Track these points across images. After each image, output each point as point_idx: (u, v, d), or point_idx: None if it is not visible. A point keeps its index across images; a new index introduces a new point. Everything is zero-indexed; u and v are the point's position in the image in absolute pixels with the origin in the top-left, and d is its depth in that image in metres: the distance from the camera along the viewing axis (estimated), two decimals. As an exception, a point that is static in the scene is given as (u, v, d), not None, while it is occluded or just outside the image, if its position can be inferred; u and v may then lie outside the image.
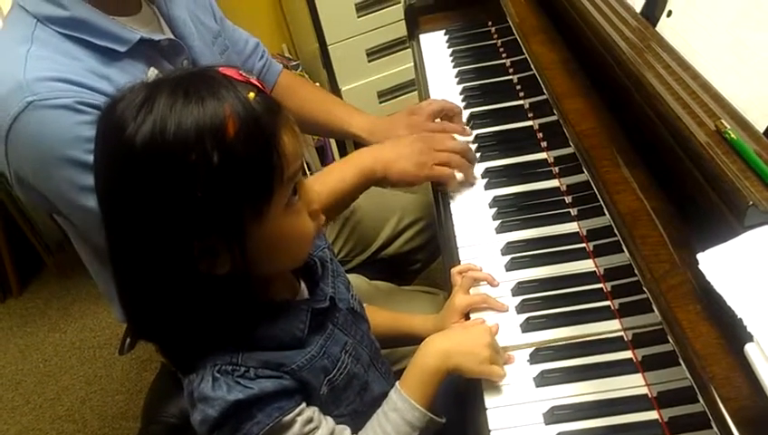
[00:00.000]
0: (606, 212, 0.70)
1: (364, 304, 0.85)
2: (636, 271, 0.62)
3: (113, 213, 0.61)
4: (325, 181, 0.96)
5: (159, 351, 1.13)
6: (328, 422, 0.70)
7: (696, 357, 0.50)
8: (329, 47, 2.01)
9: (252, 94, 0.59)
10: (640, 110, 0.69)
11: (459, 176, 1.01)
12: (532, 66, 0.96)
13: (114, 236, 0.62)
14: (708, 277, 0.49)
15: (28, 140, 0.82)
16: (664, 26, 0.75)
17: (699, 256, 0.51)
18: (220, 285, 0.61)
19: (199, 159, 0.55)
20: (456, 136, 1.09)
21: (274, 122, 0.59)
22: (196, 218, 0.57)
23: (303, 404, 0.68)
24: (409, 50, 1.45)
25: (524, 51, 0.99)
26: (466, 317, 0.85)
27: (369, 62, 2.08)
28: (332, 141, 2.21)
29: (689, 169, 0.59)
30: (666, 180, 0.67)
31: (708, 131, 0.58)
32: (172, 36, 0.98)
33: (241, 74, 0.61)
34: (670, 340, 0.55)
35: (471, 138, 1.12)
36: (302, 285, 0.75)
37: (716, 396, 0.48)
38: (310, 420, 0.68)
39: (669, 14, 0.75)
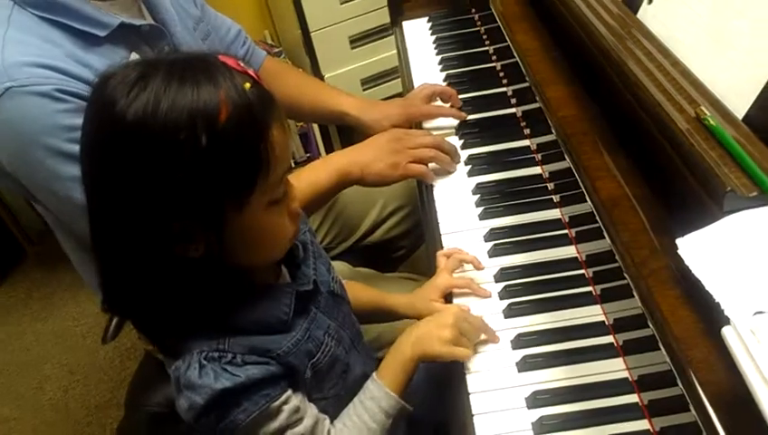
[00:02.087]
0: (587, 199, 0.71)
1: (344, 281, 0.86)
2: (617, 257, 0.63)
3: (95, 185, 0.61)
4: (300, 179, 0.96)
5: (141, 337, 1.13)
6: (312, 411, 0.71)
7: (674, 341, 0.51)
8: (311, 34, 2.00)
9: (248, 85, 0.59)
10: (621, 96, 0.69)
11: (436, 166, 1.02)
12: (514, 53, 0.96)
13: (95, 209, 0.62)
14: (687, 262, 0.50)
15: (6, 126, 0.80)
16: (645, 13, 0.76)
17: (678, 241, 0.52)
18: (194, 269, 0.61)
19: (187, 141, 0.55)
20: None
21: (267, 115, 0.60)
22: (177, 199, 0.57)
23: (290, 391, 0.68)
24: (393, 37, 1.44)
25: (507, 38, 0.99)
26: (447, 299, 0.86)
27: (353, 49, 2.07)
28: (316, 128, 2.20)
29: (669, 156, 0.60)
30: (646, 167, 0.68)
31: (688, 118, 0.59)
32: (153, 22, 0.97)
33: (239, 64, 0.61)
34: (650, 324, 0.56)
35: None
36: (284, 269, 0.75)
37: (695, 380, 0.49)
38: (296, 410, 0.68)
39: (650, 1, 0.75)
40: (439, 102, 1.16)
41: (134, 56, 0.92)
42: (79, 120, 0.79)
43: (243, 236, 0.61)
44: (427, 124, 1.15)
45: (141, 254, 0.60)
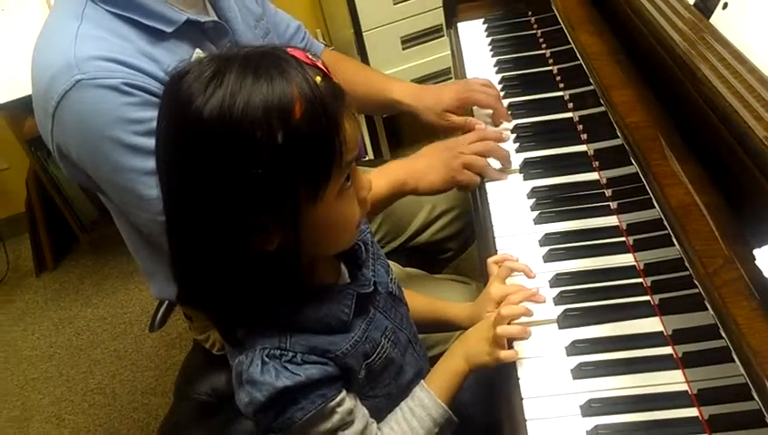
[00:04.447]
0: (656, 205, 0.69)
1: (403, 289, 0.86)
2: (687, 265, 0.61)
3: (172, 182, 0.62)
4: None
5: (191, 327, 1.16)
6: (362, 414, 0.72)
7: (752, 354, 0.50)
8: (363, 34, 2.00)
9: (318, 78, 0.59)
10: (694, 103, 0.68)
11: (496, 164, 1.02)
12: (578, 57, 0.94)
13: (172, 205, 0.63)
14: (766, 274, 0.48)
15: (74, 117, 0.83)
16: (718, 19, 0.74)
17: (756, 251, 0.50)
18: (269, 262, 0.62)
19: (264, 138, 0.56)
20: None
21: (338, 108, 0.60)
22: (254, 195, 0.58)
23: (344, 392, 0.69)
24: (444, 38, 1.43)
25: (571, 41, 0.98)
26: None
27: (404, 49, 2.07)
28: (363, 128, 2.21)
29: (746, 165, 0.58)
30: (718, 175, 0.66)
31: (766, 126, 0.57)
32: (217, 18, 0.99)
33: (308, 57, 0.61)
34: (723, 336, 0.55)
35: (511, 125, 1.12)
36: (343, 268, 0.76)
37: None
38: (350, 412, 0.69)
39: (725, 6, 0.73)
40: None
41: (198, 52, 0.94)
42: (145, 113, 0.83)
43: (316, 225, 0.62)
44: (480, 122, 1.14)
45: (217, 248, 0.61)
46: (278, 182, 0.57)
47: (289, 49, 0.61)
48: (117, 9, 0.86)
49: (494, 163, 1.03)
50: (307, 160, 0.58)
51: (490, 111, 1.13)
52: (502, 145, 1.05)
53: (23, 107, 1.83)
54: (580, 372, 0.74)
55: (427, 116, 1.16)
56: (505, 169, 1.03)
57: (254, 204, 0.58)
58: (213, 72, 0.57)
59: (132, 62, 0.84)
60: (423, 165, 1.02)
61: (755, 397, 0.50)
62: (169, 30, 0.89)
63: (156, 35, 0.89)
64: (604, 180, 0.96)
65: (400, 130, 2.30)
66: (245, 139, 0.56)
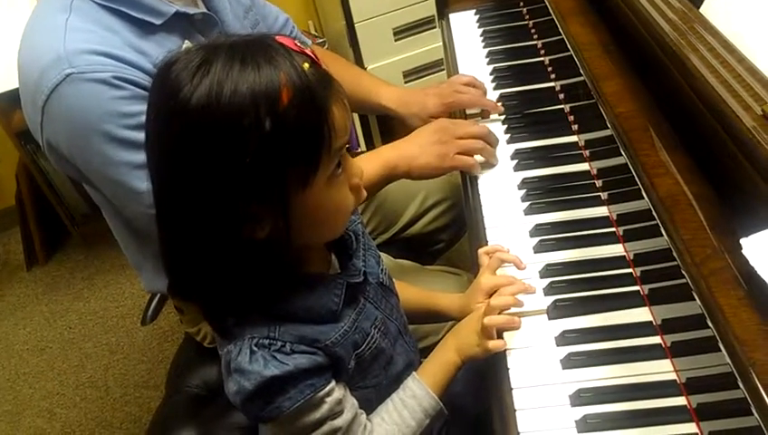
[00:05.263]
0: (644, 195, 0.69)
1: (394, 281, 0.86)
2: (675, 255, 0.61)
3: (162, 172, 0.61)
4: None
5: (183, 320, 1.16)
6: (351, 404, 0.72)
7: (737, 343, 0.50)
8: (355, 25, 2.00)
9: (306, 65, 0.59)
10: (683, 93, 0.68)
11: (481, 159, 1.01)
12: (568, 47, 0.94)
13: (162, 194, 0.62)
14: (752, 262, 0.49)
15: (64, 111, 0.82)
16: (708, 8, 0.74)
17: (743, 240, 0.50)
18: (259, 251, 0.62)
19: (251, 125, 0.55)
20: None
21: (326, 94, 0.60)
22: (243, 183, 0.57)
23: (333, 382, 0.69)
24: (436, 30, 1.43)
25: (561, 32, 0.98)
26: (493, 298, 0.85)
27: (396, 41, 2.06)
28: (356, 121, 2.20)
29: (733, 154, 0.58)
30: (706, 164, 0.67)
31: (755, 115, 0.57)
32: (206, 10, 0.98)
33: (296, 44, 0.61)
34: (710, 325, 0.55)
35: (501, 117, 1.11)
36: (333, 258, 0.76)
37: (758, 382, 0.48)
38: (339, 402, 0.69)
39: (714, -5, 0.73)
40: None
41: (187, 44, 0.93)
42: (135, 107, 0.82)
43: (307, 212, 0.62)
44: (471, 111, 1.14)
45: (208, 236, 0.61)
46: (267, 169, 0.57)
47: (277, 37, 0.61)
48: (106, 1, 0.85)
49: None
50: (296, 147, 0.58)
51: (479, 110, 1.13)
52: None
53: (11, 100, 1.82)
54: (570, 361, 0.74)
55: (414, 122, 1.17)
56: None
57: (243, 192, 0.58)
58: (200, 60, 0.57)
59: (121, 55, 0.83)
60: (415, 148, 1.01)
61: (740, 386, 0.50)
62: (158, 22, 0.89)
63: (145, 28, 0.88)
64: (595, 171, 0.96)
65: (392, 121, 2.29)
66: (233, 127, 0.55)
